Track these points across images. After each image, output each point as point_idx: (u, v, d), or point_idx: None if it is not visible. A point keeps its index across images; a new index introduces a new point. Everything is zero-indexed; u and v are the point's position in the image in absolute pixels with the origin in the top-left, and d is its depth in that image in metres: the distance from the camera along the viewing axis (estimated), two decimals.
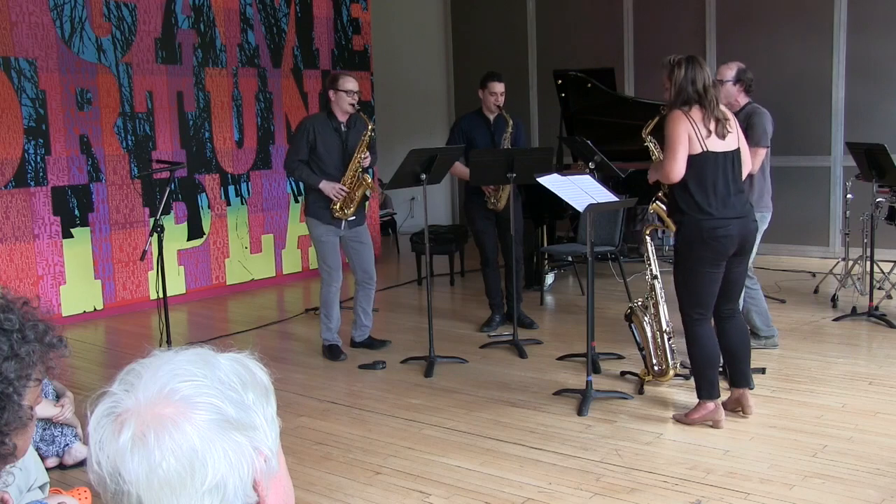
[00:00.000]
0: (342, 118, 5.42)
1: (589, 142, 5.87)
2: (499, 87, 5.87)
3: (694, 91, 3.96)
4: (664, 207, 4.33)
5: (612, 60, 9.01)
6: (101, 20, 6.81)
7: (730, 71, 5.01)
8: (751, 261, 4.51)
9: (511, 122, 5.88)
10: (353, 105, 5.35)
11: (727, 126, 4.01)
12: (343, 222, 5.45)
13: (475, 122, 6.02)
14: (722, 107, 4.08)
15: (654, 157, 4.45)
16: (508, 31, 10.13)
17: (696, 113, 3.97)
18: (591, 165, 5.69)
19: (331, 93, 5.40)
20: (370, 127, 5.39)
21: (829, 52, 8.16)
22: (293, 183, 8.30)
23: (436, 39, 10.84)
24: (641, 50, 9.18)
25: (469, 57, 10.48)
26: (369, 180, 5.43)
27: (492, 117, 5.97)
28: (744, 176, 4.21)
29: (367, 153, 5.40)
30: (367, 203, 5.69)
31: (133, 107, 7.07)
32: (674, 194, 4.08)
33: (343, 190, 5.35)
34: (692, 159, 3.96)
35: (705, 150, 3.95)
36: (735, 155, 4.05)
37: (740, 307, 4.53)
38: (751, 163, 4.31)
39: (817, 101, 8.27)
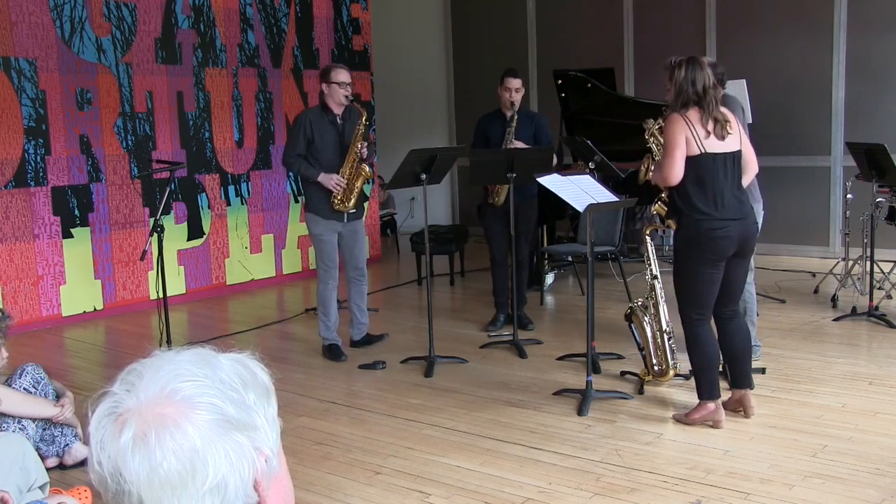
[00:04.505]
0: (337, 110, 5.41)
1: (589, 142, 5.87)
2: (514, 83, 5.75)
3: (693, 92, 3.96)
4: (666, 209, 4.33)
5: (612, 60, 9.01)
6: (101, 20, 6.81)
7: None
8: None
9: (535, 120, 5.82)
10: (347, 97, 5.34)
11: (727, 127, 3.99)
12: (344, 215, 5.45)
13: (491, 121, 5.96)
14: (723, 108, 4.07)
15: (656, 159, 4.44)
16: (508, 31, 10.13)
17: (693, 114, 3.97)
18: (591, 165, 5.71)
19: (324, 86, 5.39)
20: (364, 116, 5.38)
21: (829, 52, 8.16)
22: (293, 183, 8.30)
23: (436, 39, 10.84)
24: (641, 50, 9.18)
25: (469, 57, 10.49)
26: (368, 170, 5.41)
27: (509, 115, 5.81)
28: (749, 178, 4.19)
29: (364, 142, 5.39)
30: (367, 200, 5.67)
31: (133, 107, 7.07)
32: (672, 195, 4.08)
33: (342, 181, 5.36)
34: (691, 161, 3.95)
35: (703, 151, 3.94)
36: (735, 157, 4.03)
37: (741, 308, 4.52)
38: (755, 165, 4.28)
39: (817, 101, 8.27)
